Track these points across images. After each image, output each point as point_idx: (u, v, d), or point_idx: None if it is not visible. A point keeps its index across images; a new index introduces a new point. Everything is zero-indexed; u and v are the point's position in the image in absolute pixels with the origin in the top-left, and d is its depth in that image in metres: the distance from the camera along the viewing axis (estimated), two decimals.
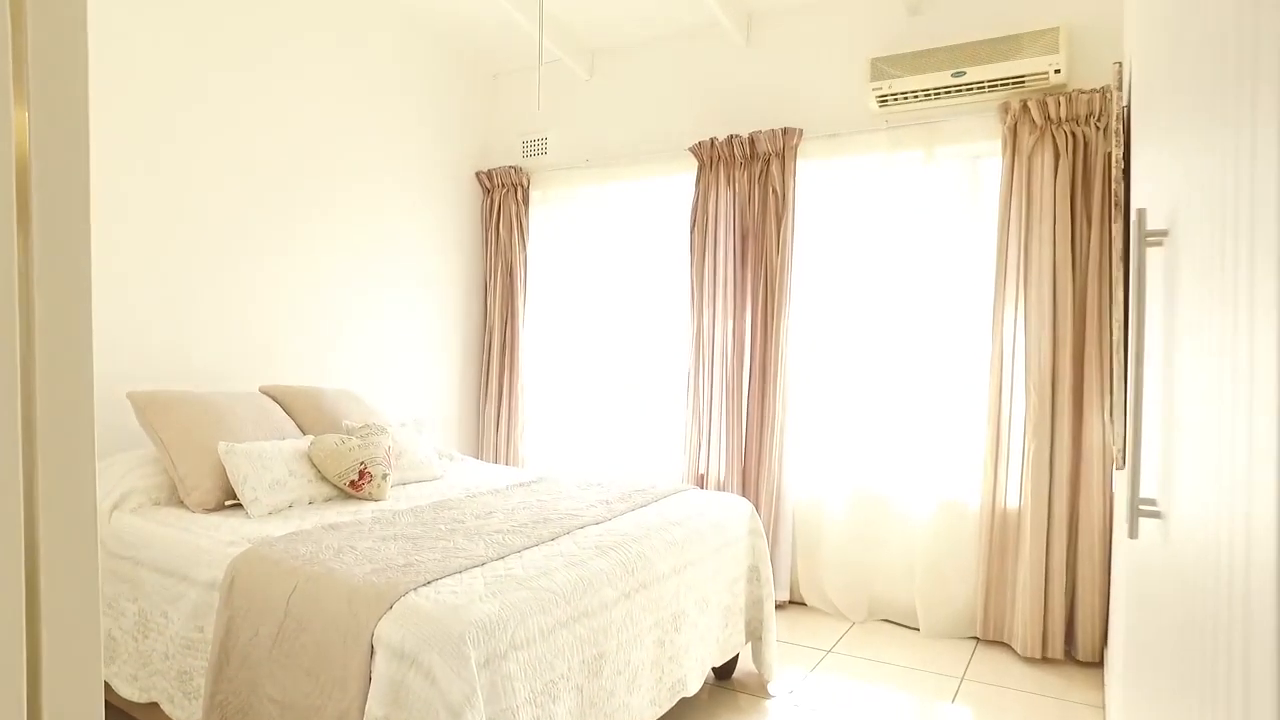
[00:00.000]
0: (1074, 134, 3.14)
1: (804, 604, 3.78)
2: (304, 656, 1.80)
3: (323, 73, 3.81)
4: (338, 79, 3.88)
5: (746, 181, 3.86)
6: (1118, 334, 2.12)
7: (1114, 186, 2.06)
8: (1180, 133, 0.82)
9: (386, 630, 1.68)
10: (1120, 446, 2.09)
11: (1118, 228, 2.08)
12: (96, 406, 2.94)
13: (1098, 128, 3.10)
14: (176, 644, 2.15)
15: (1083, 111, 3.10)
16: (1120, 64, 2.03)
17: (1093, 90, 3.07)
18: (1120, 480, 2.23)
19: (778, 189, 3.76)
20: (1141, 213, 0.91)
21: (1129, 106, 2.10)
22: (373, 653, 1.68)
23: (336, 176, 3.89)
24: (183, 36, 3.22)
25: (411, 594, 1.77)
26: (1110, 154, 2.87)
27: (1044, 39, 3.10)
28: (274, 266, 3.61)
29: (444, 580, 1.87)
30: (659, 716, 2.27)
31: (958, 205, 3.48)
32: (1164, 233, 0.91)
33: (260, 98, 3.53)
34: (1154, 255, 0.99)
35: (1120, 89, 2.02)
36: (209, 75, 3.33)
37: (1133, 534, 0.91)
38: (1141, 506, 0.95)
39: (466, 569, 1.96)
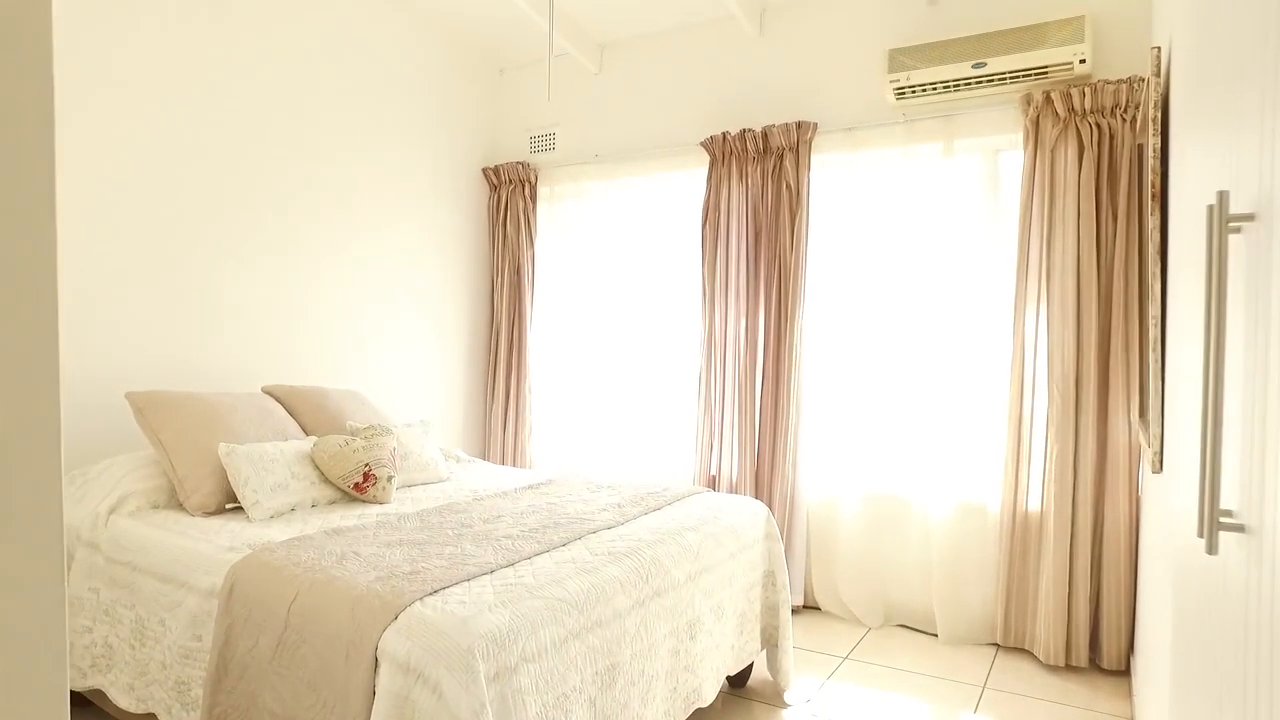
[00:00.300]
0: (1099, 126, 3.05)
1: (818, 609, 3.69)
2: (305, 668, 1.72)
3: (327, 68, 3.73)
4: (342, 74, 3.81)
5: (759, 177, 3.77)
6: (1154, 331, 2.03)
7: (1151, 177, 1.97)
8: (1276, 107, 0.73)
9: (391, 642, 1.60)
10: (1158, 449, 2.00)
11: (1155, 220, 1.99)
12: (93, 407, 2.88)
13: (1124, 119, 3.00)
14: (174, 653, 2.08)
15: (1108, 103, 3.01)
16: (1158, 49, 1.94)
17: (1119, 81, 2.98)
18: (1155, 484, 2.14)
19: (791, 184, 3.67)
20: (1223, 195, 0.82)
21: (1167, 94, 2.01)
22: (377, 665, 1.61)
23: (341, 172, 3.82)
24: (185, 30, 3.15)
25: (417, 604, 1.69)
26: (1142, 144, 2.78)
27: (1068, 28, 3.01)
28: (277, 264, 3.53)
29: (451, 589, 1.79)
30: None
31: (977, 200, 3.38)
32: (1249, 216, 0.82)
33: (263, 93, 3.45)
34: (1234, 243, 0.91)
35: (1158, 75, 1.93)
36: (211, 70, 3.26)
37: (1211, 549, 0.82)
38: (1221, 519, 0.86)
39: (475, 577, 1.88)
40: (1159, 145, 1.96)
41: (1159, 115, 1.95)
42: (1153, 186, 1.97)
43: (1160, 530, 2.04)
